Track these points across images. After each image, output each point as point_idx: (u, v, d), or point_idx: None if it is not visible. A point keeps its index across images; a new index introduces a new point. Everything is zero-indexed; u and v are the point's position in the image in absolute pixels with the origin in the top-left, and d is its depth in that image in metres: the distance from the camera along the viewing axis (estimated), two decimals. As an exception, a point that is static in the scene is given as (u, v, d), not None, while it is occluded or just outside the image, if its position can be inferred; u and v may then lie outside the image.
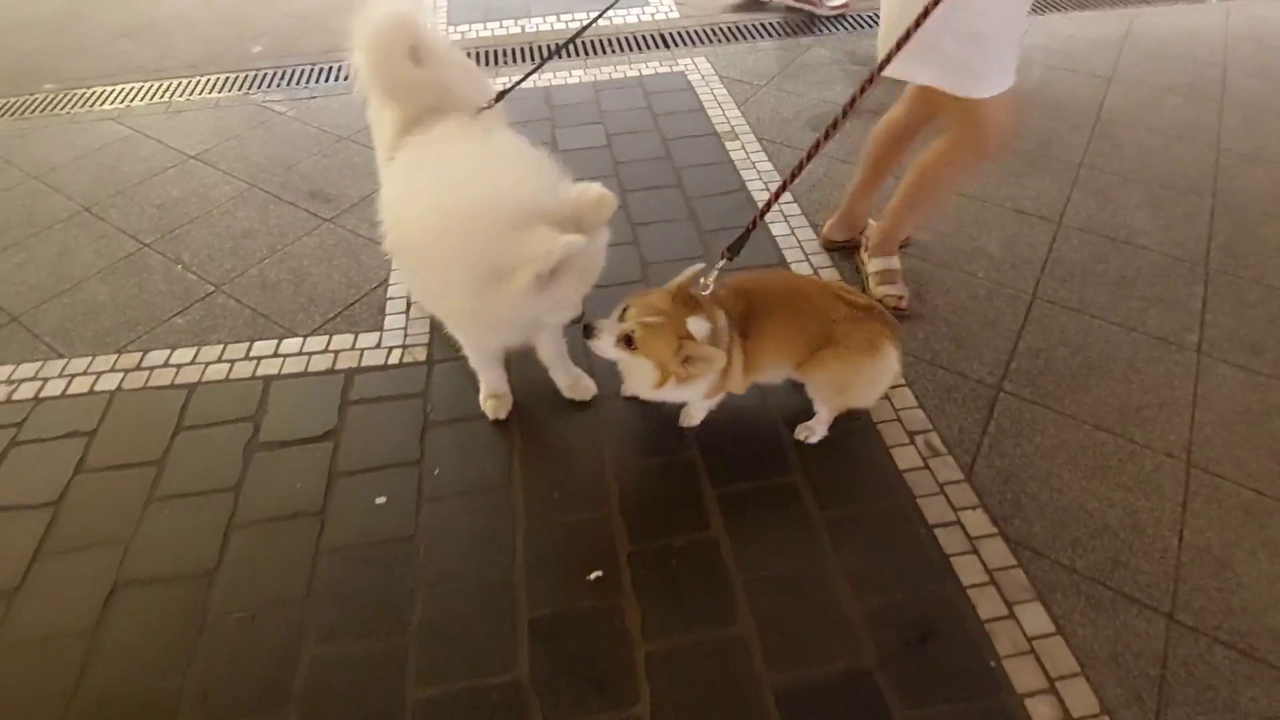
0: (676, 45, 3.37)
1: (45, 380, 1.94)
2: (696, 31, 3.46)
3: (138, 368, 1.96)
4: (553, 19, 3.64)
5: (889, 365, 1.54)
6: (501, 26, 3.61)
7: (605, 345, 1.38)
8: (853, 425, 1.73)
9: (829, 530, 1.54)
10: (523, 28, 3.60)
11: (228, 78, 3.29)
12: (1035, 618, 1.40)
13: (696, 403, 1.66)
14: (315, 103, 3.09)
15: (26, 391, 1.92)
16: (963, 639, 1.37)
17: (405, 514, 1.60)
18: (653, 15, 3.63)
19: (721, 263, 1.44)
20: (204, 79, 3.29)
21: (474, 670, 1.35)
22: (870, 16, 3.50)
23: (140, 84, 3.27)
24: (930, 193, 1.93)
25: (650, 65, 3.20)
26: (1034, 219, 2.33)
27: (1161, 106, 2.85)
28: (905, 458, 1.67)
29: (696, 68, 3.17)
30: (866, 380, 1.57)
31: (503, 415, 1.77)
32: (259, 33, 3.67)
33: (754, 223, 1.44)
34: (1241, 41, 3.25)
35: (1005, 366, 1.88)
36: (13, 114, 3.12)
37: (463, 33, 3.56)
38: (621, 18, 3.59)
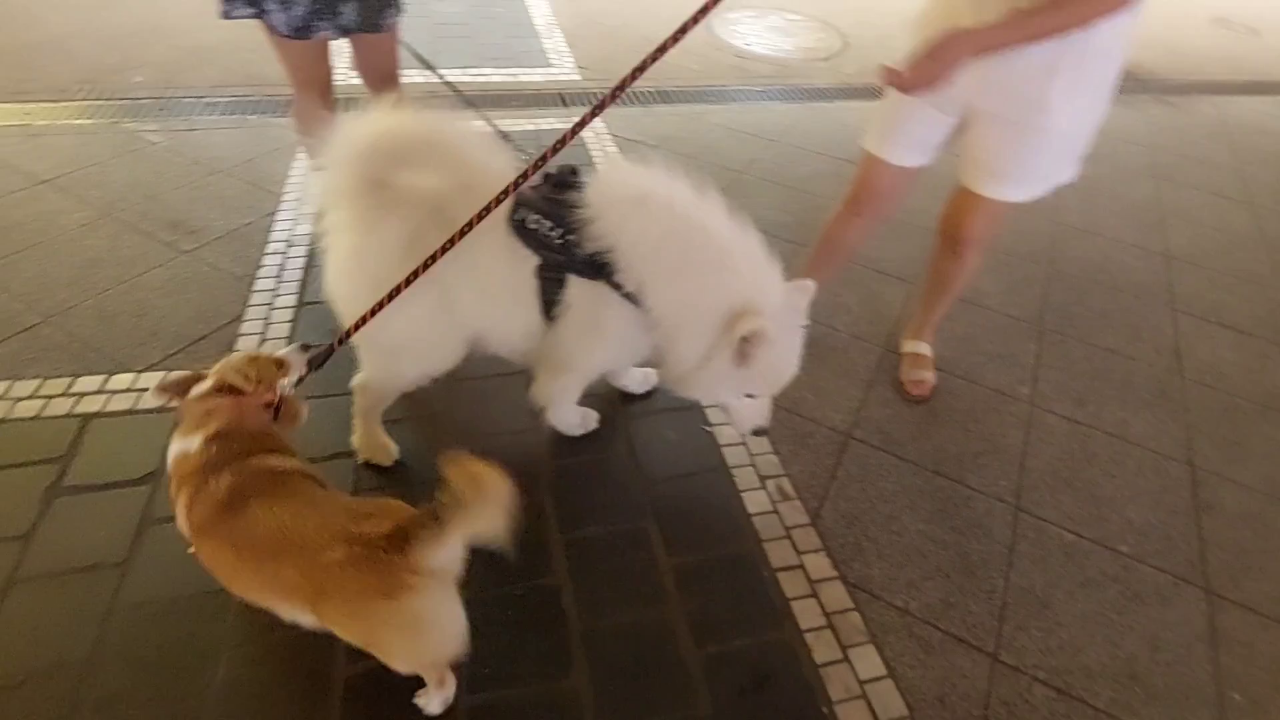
0: (575, 105, 3.47)
1: None
2: (596, 93, 3.58)
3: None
4: (459, 71, 3.69)
5: (422, 609, 1.04)
6: (407, 75, 3.62)
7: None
8: (708, 468, 1.74)
9: (675, 576, 1.52)
10: (428, 77, 3.62)
11: (100, 104, 3.13)
12: (868, 661, 1.41)
13: None
14: (193, 135, 2.98)
15: None
16: (797, 685, 1.36)
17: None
18: (555, 76, 3.74)
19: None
20: (72, 104, 3.12)
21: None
22: (754, 92, 3.72)
23: (49, 102, 3.06)
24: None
25: (547, 121, 3.28)
26: (892, 279, 2.47)
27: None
28: (755, 502, 1.68)
29: (590, 126, 3.26)
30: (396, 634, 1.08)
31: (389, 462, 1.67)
32: (144, 62, 3.53)
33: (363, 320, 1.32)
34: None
35: (856, 414, 1.95)
36: None
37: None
38: (527, 75, 3.69)
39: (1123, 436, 1.97)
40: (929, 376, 2.05)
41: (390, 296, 1.30)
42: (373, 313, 1.32)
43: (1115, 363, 2.23)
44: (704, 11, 1.27)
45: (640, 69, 1.32)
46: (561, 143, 1.29)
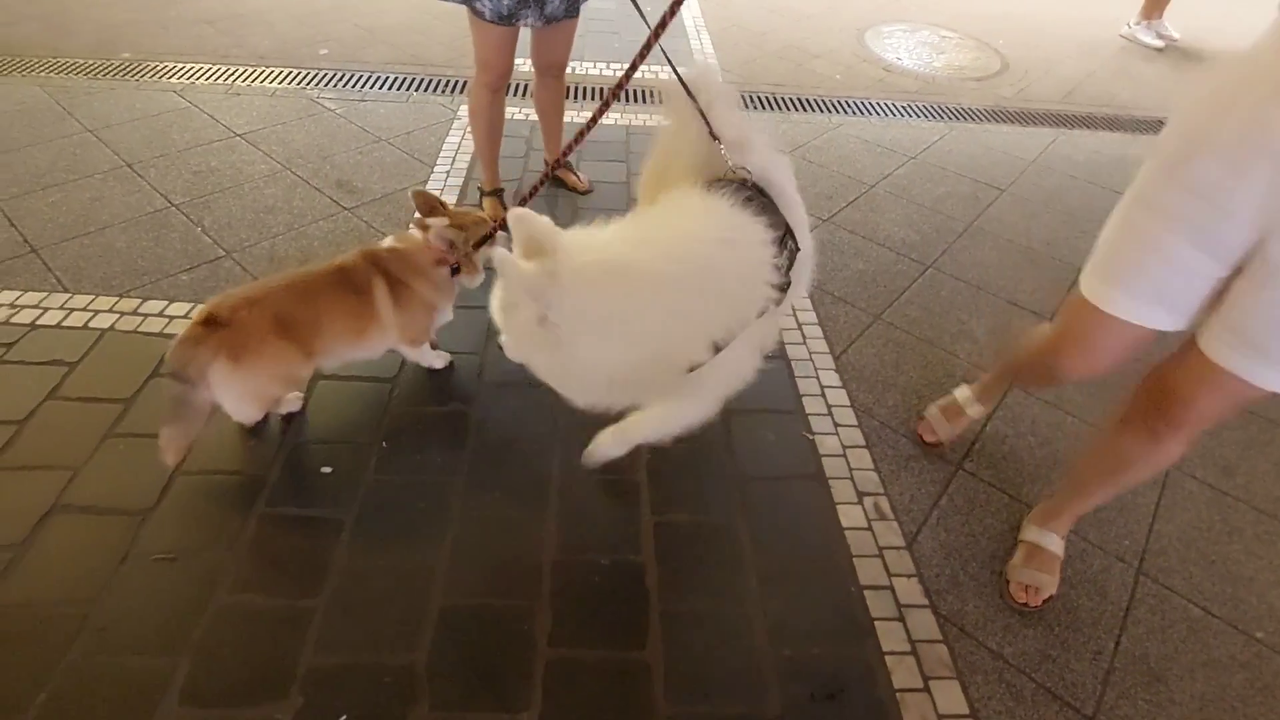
0: (713, 104, 3.50)
1: (45, 310, 2.02)
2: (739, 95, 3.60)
3: (133, 313, 2.04)
4: (602, 65, 3.83)
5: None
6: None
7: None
8: (805, 475, 1.73)
9: (759, 574, 1.52)
10: (573, 68, 3.78)
11: (290, 72, 3.49)
12: (950, 696, 1.35)
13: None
14: (364, 105, 3.26)
15: (25, 317, 1.99)
16: (871, 704, 1.33)
17: (348, 488, 1.62)
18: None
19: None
20: (268, 70, 3.50)
21: (374, 647, 1.34)
22: (895, 106, 3.62)
23: (208, 66, 3.48)
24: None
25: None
26: (1025, 313, 2.34)
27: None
28: (850, 516, 1.65)
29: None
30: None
31: None
32: (329, 38, 3.90)
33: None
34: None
35: (969, 446, 1.86)
36: (87, 74, 3.34)
37: (517, 64, 3.75)
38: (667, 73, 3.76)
39: (1275, 515, 1.77)
40: (1048, 582, 1.51)
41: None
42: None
43: (1277, 435, 2.00)
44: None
45: (632, 68, 1.48)
46: (578, 139, 1.58)
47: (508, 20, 2.00)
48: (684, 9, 4.55)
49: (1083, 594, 1.56)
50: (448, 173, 2.82)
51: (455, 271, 1.74)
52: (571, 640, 1.38)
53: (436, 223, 1.69)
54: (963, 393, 1.84)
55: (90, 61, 3.43)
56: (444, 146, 2.99)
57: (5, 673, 1.27)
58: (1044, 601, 1.51)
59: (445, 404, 1.86)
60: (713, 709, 1.30)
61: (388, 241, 1.72)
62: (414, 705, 1.27)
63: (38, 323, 1.98)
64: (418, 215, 1.73)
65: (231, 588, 1.42)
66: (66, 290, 2.09)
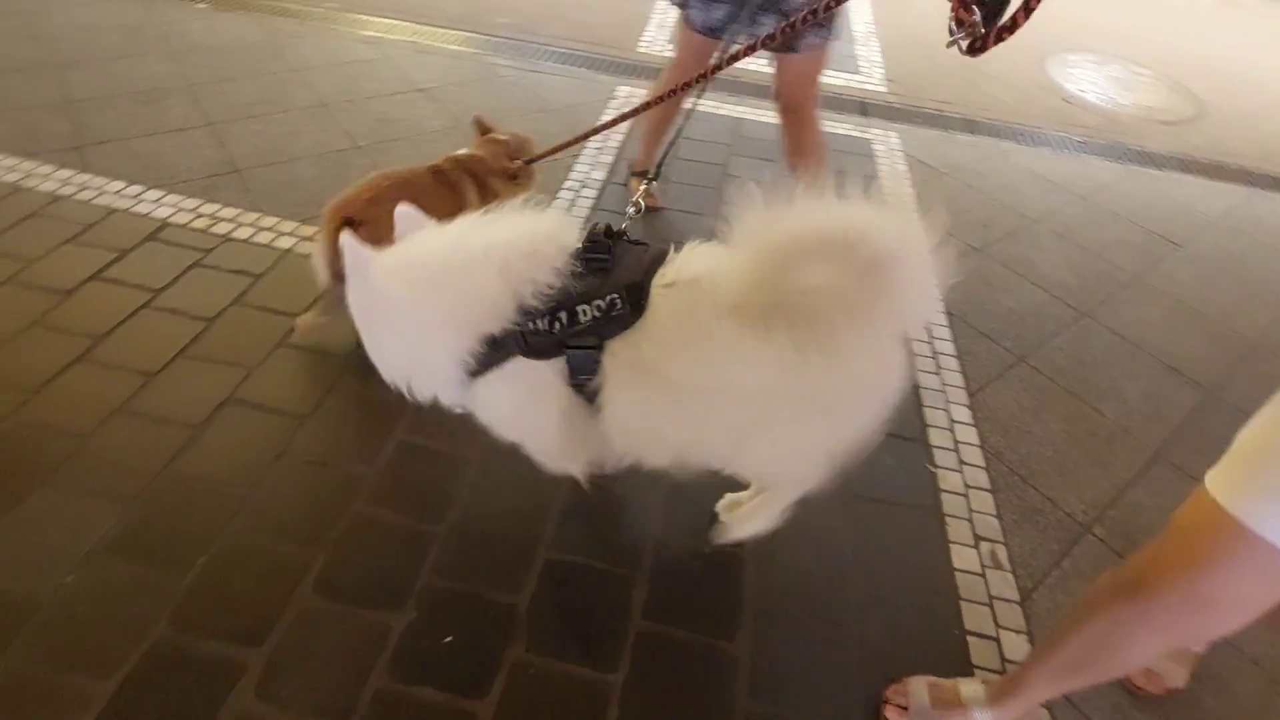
0: (873, 116, 3.41)
1: (239, 225, 2.26)
2: (899, 107, 3.49)
3: (312, 238, 2.24)
4: (763, 63, 3.80)
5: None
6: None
7: None
8: (920, 506, 1.68)
9: (860, 595, 1.50)
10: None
11: (472, 37, 3.70)
12: (1046, 764, 1.29)
13: None
14: (534, 75, 3.41)
15: (222, 229, 2.24)
16: (959, 751, 1.28)
17: (480, 431, 1.72)
18: (861, 84, 3.70)
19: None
20: (452, 32, 3.72)
21: (482, 580, 1.43)
22: (1070, 141, 3.38)
23: (401, 22, 3.74)
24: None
25: (842, 126, 3.26)
26: (1185, 380, 2.14)
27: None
28: (964, 558, 1.59)
29: (885, 140, 3.20)
30: None
31: None
32: (509, 9, 4.09)
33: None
34: None
35: (1103, 511, 1.74)
36: (297, 19, 3.67)
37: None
38: (830, 78, 3.69)
39: None
40: (1176, 674, 1.38)
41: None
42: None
43: None
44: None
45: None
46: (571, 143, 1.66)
47: (714, 34, 1.96)
48: (856, 14, 4.44)
49: (1207, 691, 1.43)
50: (599, 149, 2.90)
51: (514, 179, 1.93)
52: (665, 616, 1.41)
53: (498, 136, 1.95)
54: (971, 687, 1.29)
55: (300, 7, 3.77)
56: (599, 123, 3.08)
57: (176, 534, 1.45)
58: (1166, 691, 1.40)
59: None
60: (795, 714, 1.30)
61: (463, 150, 1.92)
62: (512, 643, 1.34)
63: (231, 235, 2.22)
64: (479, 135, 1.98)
65: (367, 500, 1.55)
66: (259, 210, 2.33)
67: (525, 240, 1.09)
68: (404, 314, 1.10)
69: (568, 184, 2.64)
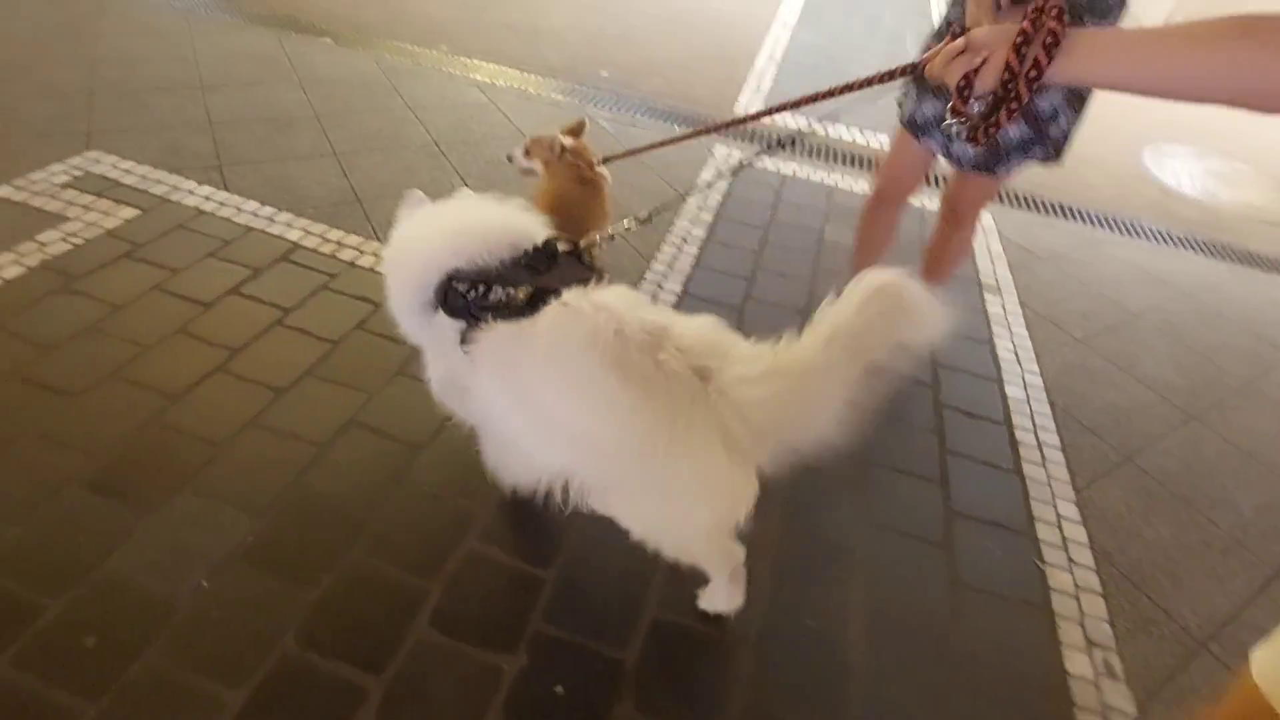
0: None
1: (362, 253, 2.38)
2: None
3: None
4: (855, 131, 3.88)
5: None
6: (808, 123, 3.91)
7: (518, 154, 2.20)
8: (1029, 602, 1.64)
9: (968, 686, 1.46)
10: (827, 131, 3.87)
11: (574, 87, 3.87)
12: None
13: None
14: (633, 129, 3.54)
15: (347, 255, 2.36)
16: None
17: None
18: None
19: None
20: (555, 81, 3.90)
21: (592, 632, 1.44)
22: (1170, 235, 3.33)
23: (507, 69, 3.94)
24: None
25: (935, 204, 3.28)
26: (1308, 500, 2.06)
27: None
28: (1077, 663, 1.54)
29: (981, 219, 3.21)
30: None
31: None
32: (611, 62, 4.28)
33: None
34: None
35: (1220, 627, 1.67)
36: (411, 59, 3.90)
37: (772, 117, 3.91)
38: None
39: None
40: None
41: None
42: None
43: None
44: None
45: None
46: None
47: (912, 129, 1.81)
48: (946, 91, 4.50)
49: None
50: (700, 207, 2.98)
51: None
52: (772, 690, 1.40)
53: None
54: None
55: (415, 48, 4.01)
56: (699, 180, 3.17)
57: (304, 549, 1.50)
58: None
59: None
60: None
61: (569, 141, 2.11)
62: (620, 699, 1.34)
63: (355, 262, 2.34)
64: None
65: (479, 536, 1.58)
66: (379, 240, 2.45)
67: (482, 224, 1.29)
68: (391, 260, 1.40)
69: (669, 240, 2.71)
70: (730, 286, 2.51)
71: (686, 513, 1.19)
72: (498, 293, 1.20)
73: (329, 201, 2.60)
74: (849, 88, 1.18)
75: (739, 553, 1.39)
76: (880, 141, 3.76)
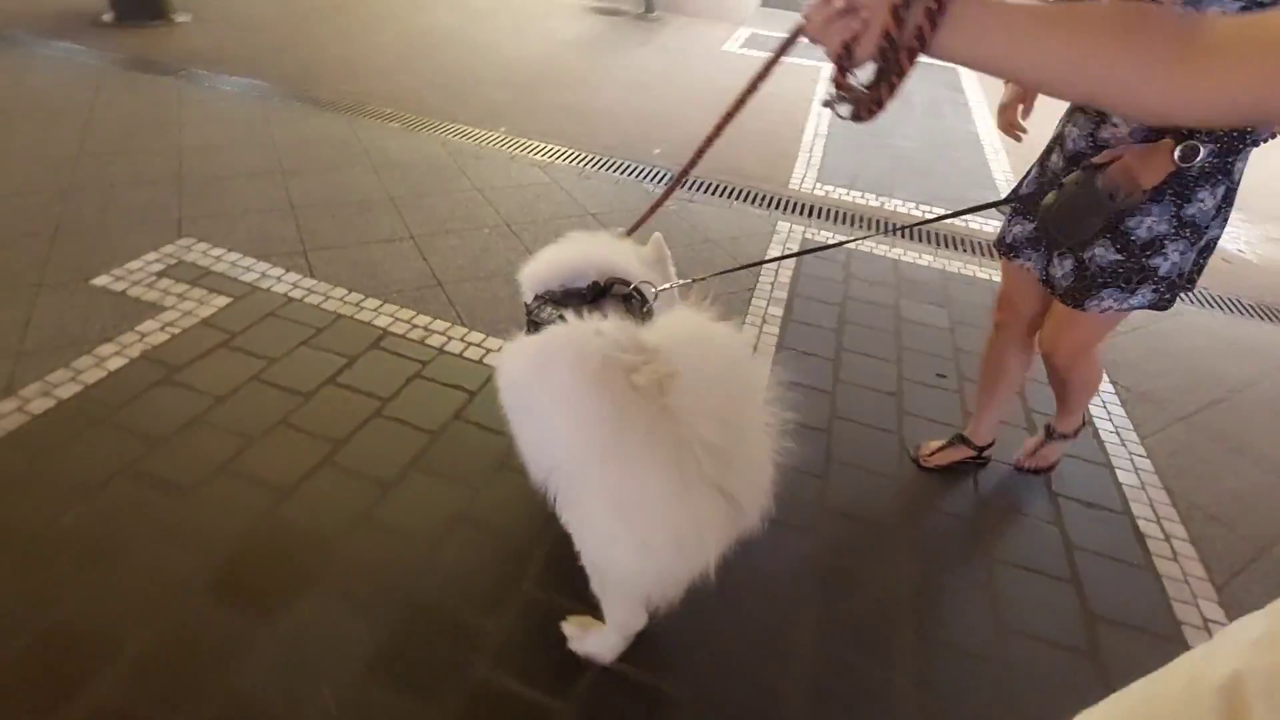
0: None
1: (450, 338, 2.39)
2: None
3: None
4: (910, 205, 3.91)
5: None
6: (863, 197, 3.95)
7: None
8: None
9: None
10: (881, 204, 3.91)
11: (629, 164, 3.96)
12: None
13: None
14: (694, 206, 3.59)
15: (435, 340, 2.37)
16: None
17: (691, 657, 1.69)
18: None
19: None
20: (612, 159, 3.99)
21: None
22: (1242, 304, 3.28)
23: (564, 148, 4.05)
24: None
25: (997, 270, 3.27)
26: None
27: None
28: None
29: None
30: None
31: None
32: (662, 140, 4.38)
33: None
34: None
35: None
36: (474, 141, 4.02)
37: (827, 191, 3.96)
38: (979, 224, 3.76)
39: None
40: None
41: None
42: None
43: None
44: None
45: (699, 151, 1.32)
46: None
47: (1004, 250, 1.73)
48: (994, 162, 4.56)
49: None
50: (772, 284, 2.98)
51: None
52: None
53: None
54: None
55: (477, 131, 4.14)
56: (766, 256, 3.19)
57: (428, 662, 1.44)
58: None
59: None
60: None
61: None
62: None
63: (444, 348, 2.34)
64: None
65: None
66: (464, 324, 2.46)
67: (577, 255, 1.44)
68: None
69: (749, 320, 2.70)
70: (818, 370, 2.47)
71: (622, 530, 1.15)
72: (547, 311, 1.34)
73: (412, 286, 2.63)
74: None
75: (638, 622, 1.41)
76: (934, 213, 3.79)
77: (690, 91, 5.22)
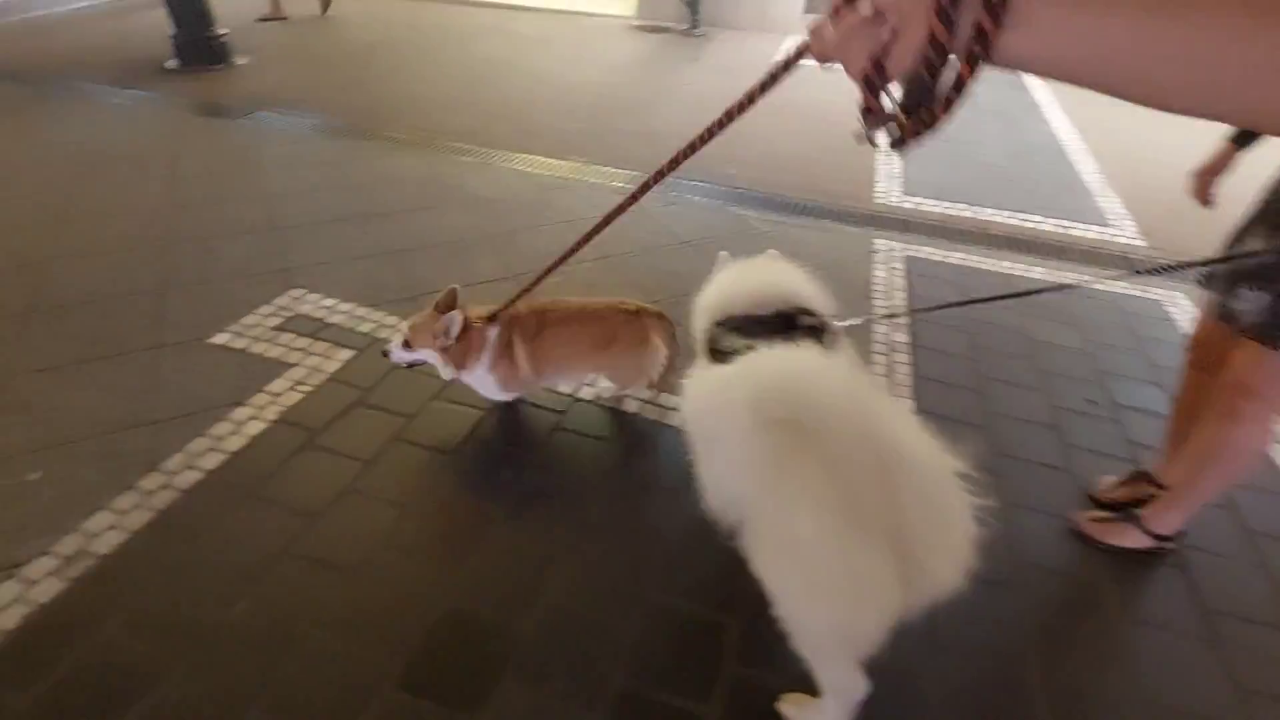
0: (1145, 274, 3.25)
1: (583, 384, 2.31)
2: (1173, 265, 3.32)
3: (651, 402, 2.25)
4: (1005, 214, 3.77)
5: (656, 354, 1.98)
6: (953, 207, 3.82)
7: (396, 350, 1.90)
8: None
9: None
10: (975, 214, 3.77)
11: (708, 187, 3.87)
12: None
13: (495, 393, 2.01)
14: (784, 228, 3.49)
15: (564, 388, 2.29)
16: None
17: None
18: (1114, 237, 3.59)
19: None
20: (687, 182, 3.90)
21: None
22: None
23: (640, 174, 3.97)
24: None
25: (1120, 285, 3.12)
26: None
27: None
28: None
29: (1172, 300, 3.03)
30: (636, 367, 2.01)
31: None
32: (735, 159, 4.29)
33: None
34: None
35: None
36: (553, 171, 3.97)
37: (916, 204, 3.84)
38: (1081, 230, 3.61)
39: None
40: None
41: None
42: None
43: None
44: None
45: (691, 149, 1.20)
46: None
47: (1229, 320, 1.53)
48: (1080, 165, 4.40)
49: None
50: (886, 308, 2.86)
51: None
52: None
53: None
54: None
55: (551, 161, 4.09)
56: (873, 279, 3.07)
57: (411, 581, 1.35)
58: None
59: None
60: None
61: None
62: None
63: (576, 395, 2.26)
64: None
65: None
66: (589, 367, 2.38)
67: (758, 281, 1.43)
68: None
69: (875, 349, 2.59)
70: (963, 401, 2.35)
71: (824, 590, 1.08)
72: (731, 340, 1.30)
73: (528, 328, 2.56)
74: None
75: (859, 687, 1.27)
76: (1033, 223, 3.66)
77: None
